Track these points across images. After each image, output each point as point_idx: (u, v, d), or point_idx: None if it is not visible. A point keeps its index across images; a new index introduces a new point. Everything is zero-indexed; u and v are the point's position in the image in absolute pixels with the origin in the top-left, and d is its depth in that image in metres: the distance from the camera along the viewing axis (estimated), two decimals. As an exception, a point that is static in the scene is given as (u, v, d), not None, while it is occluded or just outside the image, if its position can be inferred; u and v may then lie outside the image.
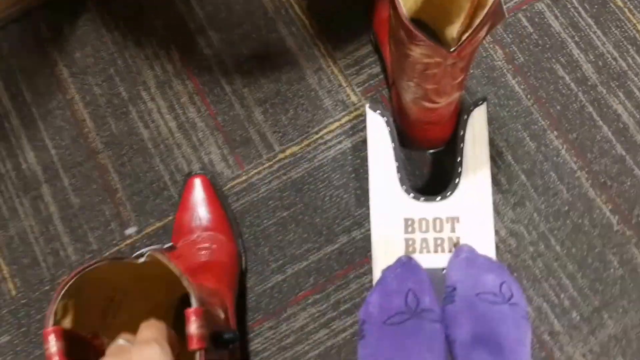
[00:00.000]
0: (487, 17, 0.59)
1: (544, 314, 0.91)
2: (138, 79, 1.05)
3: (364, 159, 0.97)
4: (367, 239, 0.94)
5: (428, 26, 0.72)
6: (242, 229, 0.97)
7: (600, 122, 0.98)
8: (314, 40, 1.04)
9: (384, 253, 0.88)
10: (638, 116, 0.97)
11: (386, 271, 0.78)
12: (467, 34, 0.61)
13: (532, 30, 1.02)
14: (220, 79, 1.03)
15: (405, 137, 0.91)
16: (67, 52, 1.07)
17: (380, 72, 1.02)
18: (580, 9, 1.03)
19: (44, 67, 1.06)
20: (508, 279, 0.72)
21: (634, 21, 1.02)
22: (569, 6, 1.03)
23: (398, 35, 0.64)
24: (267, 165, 0.99)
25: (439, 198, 0.88)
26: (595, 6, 1.03)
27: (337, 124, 1.00)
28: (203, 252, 0.89)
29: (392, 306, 0.72)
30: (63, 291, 0.56)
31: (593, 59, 1.00)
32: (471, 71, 1.00)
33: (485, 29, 0.61)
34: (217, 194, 0.94)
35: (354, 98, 1.01)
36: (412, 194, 0.88)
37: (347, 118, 1.00)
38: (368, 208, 0.91)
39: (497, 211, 0.95)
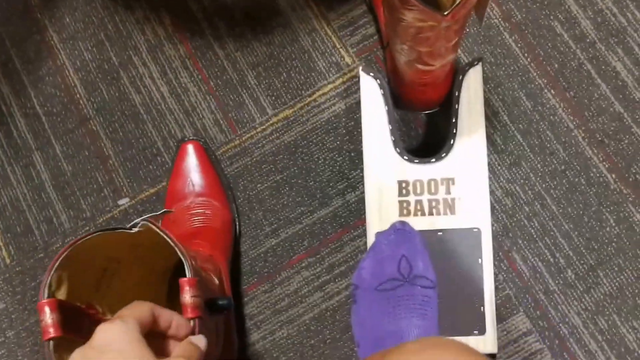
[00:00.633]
0: None
1: (539, 273, 0.91)
2: (129, 43, 1.03)
3: (358, 121, 0.96)
4: (361, 201, 0.93)
5: None
6: (236, 193, 0.96)
7: (599, 80, 0.96)
8: (307, 1, 1.02)
9: (378, 217, 0.87)
10: (637, 73, 0.96)
11: (380, 236, 0.78)
12: None
13: (528, -13, 1.00)
14: (212, 42, 1.02)
15: (400, 98, 0.90)
16: (56, 18, 1.05)
17: (374, 33, 1.00)
18: (578, -37, 1.01)
19: (33, 34, 1.05)
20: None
21: (633, -25, 0.99)
22: (567, -39, 1.01)
23: None
24: (260, 129, 0.98)
25: (433, 160, 0.87)
26: (594, -40, 1.01)
27: (330, 86, 0.99)
28: (197, 218, 0.89)
29: (385, 272, 0.72)
30: (57, 263, 0.55)
31: (592, 15, 0.98)
32: (467, 30, 0.98)
33: None
34: (210, 160, 0.94)
35: (348, 59, 1.00)
36: (406, 157, 0.87)
37: (340, 80, 0.99)
38: (362, 170, 0.91)
39: (492, 171, 0.94)
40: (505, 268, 0.92)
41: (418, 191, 0.87)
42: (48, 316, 0.54)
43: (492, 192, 0.93)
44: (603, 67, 0.96)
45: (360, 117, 0.91)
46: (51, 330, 0.54)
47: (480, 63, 0.87)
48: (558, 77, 0.96)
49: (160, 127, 1.00)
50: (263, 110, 0.99)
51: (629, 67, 0.96)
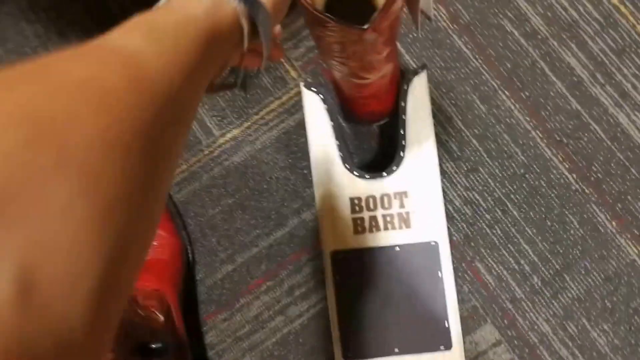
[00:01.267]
0: None
1: (505, 281, 0.88)
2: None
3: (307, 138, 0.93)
4: (317, 220, 0.90)
5: None
6: (186, 220, 0.93)
7: (553, 77, 0.93)
8: (249, 15, 0.98)
9: (333, 235, 0.84)
10: (592, 68, 0.93)
11: None
12: (379, 10, 0.56)
13: (476, -15, 0.97)
14: (153, 64, 0.98)
15: (347, 111, 0.87)
16: (-10, 49, 1.01)
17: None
18: (525, -42, 0.97)
19: (-33, 67, 1.00)
20: None
21: (582, -33, 0.96)
22: (513, -44, 0.98)
23: (306, 17, 0.59)
24: (207, 151, 0.95)
25: (384, 174, 0.84)
26: (541, -46, 0.97)
27: (277, 102, 0.95)
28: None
29: None
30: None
31: (542, 11, 0.95)
32: (413, 35, 0.95)
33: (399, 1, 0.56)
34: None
35: (293, 73, 0.96)
36: (356, 172, 0.84)
37: (287, 95, 0.95)
38: (314, 189, 0.87)
39: (449, 180, 0.91)
40: (469, 279, 0.88)
41: (371, 207, 0.84)
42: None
43: (450, 202, 0.90)
44: (557, 63, 0.93)
45: (309, 132, 0.88)
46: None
47: (425, 71, 0.84)
48: (511, 77, 0.93)
49: (105, 156, 0.96)
50: (209, 131, 0.95)
51: (583, 62, 0.93)
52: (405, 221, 0.83)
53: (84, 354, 0.25)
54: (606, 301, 0.87)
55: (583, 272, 0.88)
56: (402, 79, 0.83)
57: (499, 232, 0.89)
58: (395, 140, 0.88)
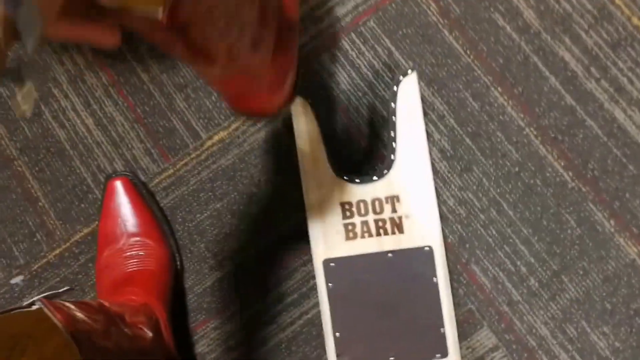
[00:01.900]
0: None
1: (501, 283, 0.86)
2: (48, 75, 0.96)
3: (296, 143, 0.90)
4: (308, 225, 0.87)
5: None
6: (174, 226, 0.90)
7: (547, 73, 0.91)
8: (233, 13, 0.95)
9: (324, 242, 0.82)
10: (586, 62, 0.90)
11: None
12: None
13: (466, -22, 0.94)
14: (135, 66, 0.95)
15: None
16: (-33, 53, 0.98)
17: (306, 43, 0.94)
18: (516, -51, 0.95)
19: (-56, 72, 0.97)
20: None
21: (575, -43, 0.94)
22: (504, -53, 0.95)
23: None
24: (194, 155, 0.92)
25: (375, 177, 0.81)
26: (533, -56, 0.95)
27: (265, 103, 0.92)
28: (131, 261, 0.83)
29: None
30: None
31: (534, 4, 0.92)
32: (404, 30, 0.92)
33: None
34: (141, 195, 0.88)
35: (281, 73, 0.93)
36: (346, 177, 0.82)
37: (275, 95, 0.92)
38: (304, 193, 0.85)
39: (443, 180, 0.88)
40: (465, 282, 0.86)
41: (363, 212, 0.81)
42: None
43: (444, 202, 0.88)
44: (550, 58, 0.91)
45: (297, 135, 0.85)
46: None
47: (414, 71, 0.81)
48: (504, 73, 0.91)
49: (89, 162, 0.93)
50: (196, 134, 0.93)
51: (577, 55, 0.90)
52: (398, 226, 0.81)
53: None
54: (606, 303, 0.85)
55: (581, 272, 0.86)
56: (392, 77, 0.81)
57: (494, 232, 0.87)
58: (385, 142, 0.85)
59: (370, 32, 0.93)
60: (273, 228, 0.90)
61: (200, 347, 0.88)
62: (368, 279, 0.81)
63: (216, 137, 0.92)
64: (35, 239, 0.92)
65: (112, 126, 0.94)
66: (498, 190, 0.88)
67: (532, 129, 0.89)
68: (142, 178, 0.91)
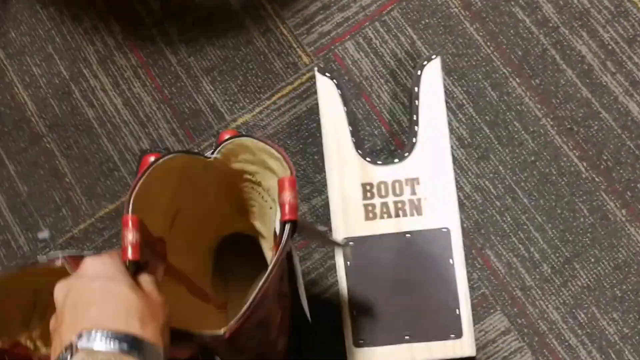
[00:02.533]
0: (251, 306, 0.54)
1: (514, 269, 0.88)
2: (78, 55, 0.99)
3: (320, 123, 0.93)
4: (327, 205, 0.90)
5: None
6: (197, 205, 0.93)
7: (564, 65, 0.93)
8: (260, 0, 0.98)
9: (344, 222, 0.84)
10: (603, 56, 0.93)
11: None
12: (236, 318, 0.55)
13: (488, -27, 0.97)
14: (164, 49, 0.98)
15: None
16: (0, 33, 1.01)
17: (331, 30, 0.97)
18: (537, -55, 0.97)
19: (-22, 50, 1.01)
20: None
21: (595, -45, 0.96)
22: (526, -56, 0.98)
23: None
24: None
25: (396, 160, 0.84)
26: (553, -59, 0.97)
27: (289, 87, 0.95)
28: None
29: None
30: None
31: (553, -1, 0.95)
32: (426, 21, 0.95)
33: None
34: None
35: (305, 59, 0.96)
36: (368, 159, 0.84)
37: (299, 81, 0.95)
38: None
39: (460, 167, 0.91)
40: (479, 266, 0.89)
41: (383, 193, 0.84)
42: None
43: (461, 188, 0.90)
44: (568, 51, 0.93)
45: (321, 118, 0.88)
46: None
47: (438, 57, 0.84)
48: (522, 65, 0.93)
49: (116, 140, 0.96)
50: (221, 116, 0.95)
51: (594, 50, 0.93)
52: (416, 208, 0.84)
53: None
54: (616, 290, 0.87)
55: (593, 260, 0.88)
56: (414, 65, 0.83)
57: (509, 219, 0.90)
58: (405, 129, 0.88)
59: (394, 22, 0.96)
60: (293, 209, 0.92)
61: (219, 323, 0.91)
62: (386, 259, 0.83)
63: (240, 120, 0.95)
64: (61, 214, 0.95)
65: (139, 106, 0.97)
66: (514, 178, 0.91)
67: (548, 119, 0.92)
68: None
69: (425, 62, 0.84)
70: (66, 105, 0.98)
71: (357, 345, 0.83)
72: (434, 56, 0.84)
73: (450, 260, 0.83)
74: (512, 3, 0.95)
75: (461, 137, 0.92)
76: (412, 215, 0.84)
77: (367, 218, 0.84)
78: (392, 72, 0.94)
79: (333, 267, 0.89)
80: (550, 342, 0.86)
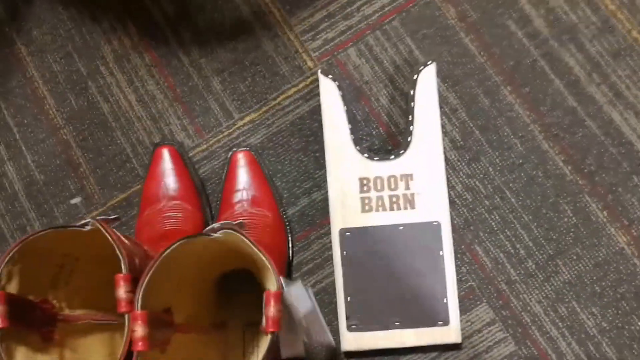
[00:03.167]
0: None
1: (501, 264, 0.94)
2: (96, 54, 1.06)
3: (321, 123, 0.98)
4: (326, 200, 0.96)
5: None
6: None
7: (552, 76, 1.00)
8: (269, 8, 1.05)
9: (342, 213, 0.90)
10: (589, 68, 0.99)
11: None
12: None
13: (483, -12, 1.03)
14: (177, 50, 1.04)
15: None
16: (24, 31, 1.07)
17: (335, 37, 1.03)
18: (530, -36, 1.04)
19: (2, 47, 1.07)
20: None
21: (583, -26, 1.03)
22: (519, -38, 1.04)
23: None
24: (226, 133, 1.01)
25: (392, 157, 0.90)
26: (545, -39, 1.04)
27: (294, 89, 1.01)
28: (168, 221, 0.91)
29: None
30: (7, 258, 0.57)
31: (544, 13, 1.01)
32: (424, 31, 1.02)
33: None
34: (185, 164, 0.96)
35: (310, 63, 1.02)
36: (366, 154, 0.90)
37: (304, 83, 1.01)
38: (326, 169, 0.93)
39: (452, 167, 0.97)
40: (467, 260, 0.94)
41: (379, 187, 0.90)
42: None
43: (452, 187, 0.96)
44: (556, 63, 1.00)
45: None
46: (-3, 321, 0.56)
47: (434, 63, 0.90)
48: (514, 74, 1.00)
49: (129, 134, 1.02)
50: (229, 114, 1.01)
51: (581, 62, 0.99)
52: (410, 202, 0.89)
53: None
54: (595, 286, 0.93)
55: (575, 257, 0.94)
56: (412, 71, 0.90)
57: (497, 217, 0.95)
58: (403, 127, 0.94)
59: (394, 31, 1.02)
60: (294, 203, 0.98)
61: (221, 308, 0.96)
62: (380, 249, 0.89)
63: (247, 118, 1.01)
64: (75, 202, 1.01)
65: (152, 103, 1.03)
66: (502, 179, 0.96)
67: (536, 125, 0.98)
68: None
69: (422, 67, 0.90)
70: (83, 100, 1.04)
71: (350, 329, 0.88)
72: (429, 62, 0.90)
73: (440, 252, 0.89)
74: (506, 16, 1.02)
75: (454, 140, 0.98)
76: (405, 208, 0.89)
77: (363, 210, 0.90)
78: (390, 77, 1.00)
79: (330, 258, 0.94)
80: (532, 333, 0.92)
